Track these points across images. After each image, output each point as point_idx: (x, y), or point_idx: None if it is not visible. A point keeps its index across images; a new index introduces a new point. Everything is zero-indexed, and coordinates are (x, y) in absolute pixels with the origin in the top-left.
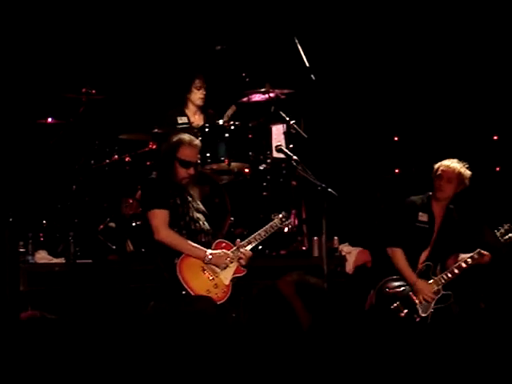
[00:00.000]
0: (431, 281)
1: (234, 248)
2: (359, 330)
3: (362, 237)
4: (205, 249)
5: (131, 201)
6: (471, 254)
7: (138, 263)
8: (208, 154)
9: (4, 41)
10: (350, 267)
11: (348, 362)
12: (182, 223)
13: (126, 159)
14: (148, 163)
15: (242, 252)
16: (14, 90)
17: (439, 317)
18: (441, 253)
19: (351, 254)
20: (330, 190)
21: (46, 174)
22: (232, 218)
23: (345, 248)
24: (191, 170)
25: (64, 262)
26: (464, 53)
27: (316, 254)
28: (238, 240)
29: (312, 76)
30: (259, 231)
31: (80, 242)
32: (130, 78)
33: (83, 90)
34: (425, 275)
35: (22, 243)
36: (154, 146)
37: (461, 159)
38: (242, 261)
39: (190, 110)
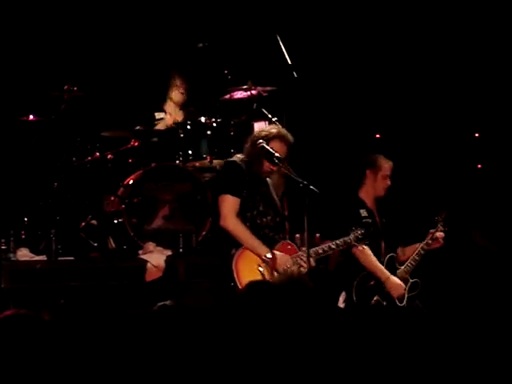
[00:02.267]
0: (398, 271)
1: (298, 253)
2: (347, 324)
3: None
4: (267, 248)
5: (113, 198)
6: (426, 240)
7: (119, 260)
8: (190, 152)
9: None
10: (332, 264)
11: (342, 358)
12: (248, 215)
13: (108, 156)
14: (130, 160)
15: (304, 260)
16: None
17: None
18: (392, 241)
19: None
20: (311, 187)
21: (27, 171)
22: None
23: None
24: (275, 166)
25: (46, 259)
26: (446, 50)
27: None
28: (304, 248)
29: (294, 73)
30: (331, 243)
31: (62, 239)
32: (112, 75)
33: (65, 87)
34: (391, 266)
35: (3, 241)
36: (136, 144)
37: (442, 157)
38: (302, 269)
39: (170, 106)
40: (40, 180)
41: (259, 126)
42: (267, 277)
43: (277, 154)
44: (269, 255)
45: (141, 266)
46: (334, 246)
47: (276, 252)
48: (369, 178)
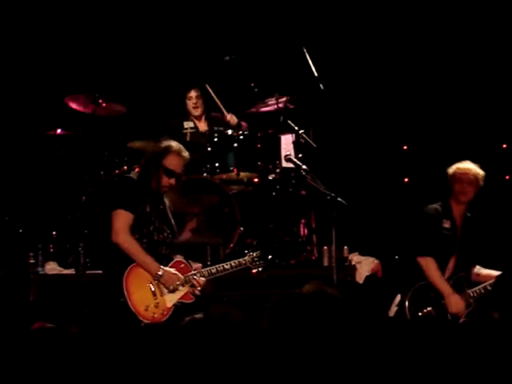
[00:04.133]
0: (464, 293)
1: (191, 273)
2: (386, 337)
3: (372, 246)
4: (159, 265)
5: None
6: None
7: None
8: (217, 164)
9: (15, 53)
10: (360, 277)
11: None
12: (145, 231)
13: (136, 170)
14: None
15: (196, 279)
16: (24, 101)
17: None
18: (466, 259)
19: (361, 264)
20: (339, 199)
21: (55, 185)
22: (242, 228)
23: (355, 257)
24: (173, 181)
25: (74, 272)
26: (474, 62)
27: (326, 263)
28: (200, 265)
29: (321, 85)
30: (225, 264)
31: (90, 252)
32: (140, 88)
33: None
34: (458, 287)
35: (32, 254)
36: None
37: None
38: (195, 289)
39: (194, 117)
40: (68, 194)
41: (286, 139)
42: (157, 294)
43: (304, 167)
44: (160, 272)
45: None
46: (227, 267)
47: (167, 269)
48: (453, 185)
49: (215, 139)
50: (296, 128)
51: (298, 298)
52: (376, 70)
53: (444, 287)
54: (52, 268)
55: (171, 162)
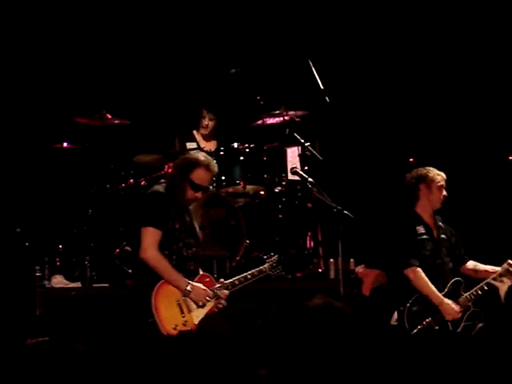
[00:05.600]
0: (461, 298)
1: (217, 286)
2: (390, 347)
3: (379, 259)
4: (187, 281)
5: None
6: (499, 271)
7: None
8: (223, 177)
9: (20, 66)
10: (366, 289)
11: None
12: (174, 248)
13: (142, 183)
14: None
15: (222, 292)
16: (30, 114)
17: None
18: (453, 259)
19: (368, 276)
20: (345, 211)
21: (61, 198)
22: (248, 241)
23: (361, 270)
24: (199, 194)
25: (80, 286)
26: (480, 74)
27: (332, 276)
28: (222, 279)
29: (326, 98)
30: (246, 273)
31: (96, 266)
32: (147, 102)
33: (97, 115)
34: (454, 292)
35: (38, 268)
36: (170, 170)
37: (477, 179)
38: (221, 302)
39: (202, 135)
40: (74, 207)
41: (292, 151)
42: (185, 311)
43: (310, 179)
44: (188, 288)
45: None
46: (249, 277)
47: (195, 284)
48: (423, 192)
49: (221, 153)
50: (302, 141)
51: (299, 309)
52: (382, 83)
53: (434, 296)
54: (58, 281)
55: (198, 176)
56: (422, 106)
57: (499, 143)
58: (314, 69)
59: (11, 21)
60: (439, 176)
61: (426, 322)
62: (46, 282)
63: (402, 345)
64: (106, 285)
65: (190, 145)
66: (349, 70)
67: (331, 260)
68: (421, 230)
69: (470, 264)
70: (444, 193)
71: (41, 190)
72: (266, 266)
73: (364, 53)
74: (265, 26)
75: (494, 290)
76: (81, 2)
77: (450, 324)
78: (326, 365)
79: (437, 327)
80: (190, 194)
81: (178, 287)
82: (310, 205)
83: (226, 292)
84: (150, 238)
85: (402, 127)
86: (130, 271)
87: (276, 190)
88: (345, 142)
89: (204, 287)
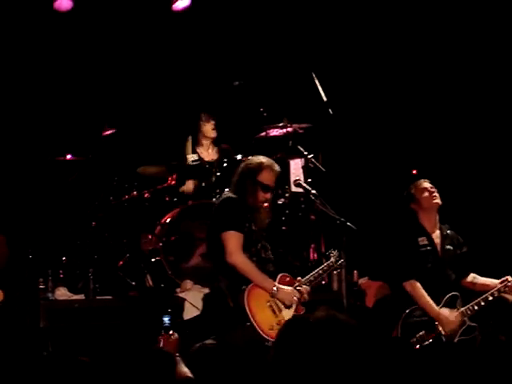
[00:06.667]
0: (457, 312)
1: (297, 284)
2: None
3: (382, 271)
4: (273, 282)
5: (150, 236)
6: (498, 287)
7: (157, 298)
8: (226, 189)
9: (22, 79)
10: (370, 301)
11: None
12: (253, 250)
13: (145, 195)
14: (167, 199)
15: (303, 288)
16: (33, 127)
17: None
18: (454, 271)
19: (371, 288)
20: (348, 223)
21: (65, 210)
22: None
23: (364, 282)
24: (268, 195)
25: (84, 298)
26: (483, 86)
27: (335, 287)
28: (299, 278)
29: (330, 110)
30: (318, 269)
31: (100, 278)
32: (148, 115)
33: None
34: (450, 307)
35: (41, 280)
36: (173, 182)
37: (480, 192)
38: (304, 297)
39: (203, 145)
40: (78, 219)
41: (295, 163)
42: (277, 311)
43: (313, 191)
44: (274, 288)
45: (179, 305)
46: (321, 272)
47: (280, 285)
48: (416, 207)
49: (224, 165)
50: (305, 153)
51: (305, 324)
52: (385, 95)
53: (430, 309)
54: (62, 293)
55: (266, 177)
56: (424, 118)
57: (500, 155)
58: (317, 81)
59: (15, 33)
60: (418, 182)
61: (419, 336)
62: (50, 295)
63: (405, 357)
64: (110, 297)
65: (191, 157)
66: (352, 82)
67: (334, 272)
68: (423, 241)
69: (470, 277)
70: (430, 190)
71: (44, 202)
72: (332, 260)
73: (367, 65)
74: (268, 38)
75: (490, 305)
76: (85, 13)
77: (444, 338)
78: (330, 377)
79: (430, 341)
80: (261, 196)
81: (264, 288)
82: (313, 217)
83: (308, 288)
84: (234, 241)
85: (404, 139)
86: (133, 283)
87: (279, 202)
88: (348, 154)
89: (288, 288)
